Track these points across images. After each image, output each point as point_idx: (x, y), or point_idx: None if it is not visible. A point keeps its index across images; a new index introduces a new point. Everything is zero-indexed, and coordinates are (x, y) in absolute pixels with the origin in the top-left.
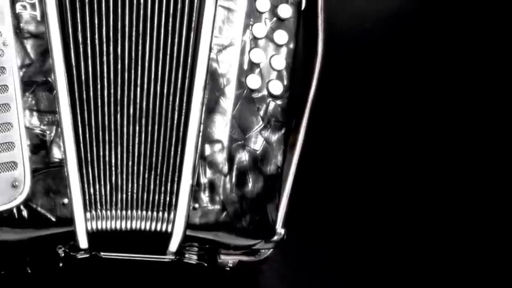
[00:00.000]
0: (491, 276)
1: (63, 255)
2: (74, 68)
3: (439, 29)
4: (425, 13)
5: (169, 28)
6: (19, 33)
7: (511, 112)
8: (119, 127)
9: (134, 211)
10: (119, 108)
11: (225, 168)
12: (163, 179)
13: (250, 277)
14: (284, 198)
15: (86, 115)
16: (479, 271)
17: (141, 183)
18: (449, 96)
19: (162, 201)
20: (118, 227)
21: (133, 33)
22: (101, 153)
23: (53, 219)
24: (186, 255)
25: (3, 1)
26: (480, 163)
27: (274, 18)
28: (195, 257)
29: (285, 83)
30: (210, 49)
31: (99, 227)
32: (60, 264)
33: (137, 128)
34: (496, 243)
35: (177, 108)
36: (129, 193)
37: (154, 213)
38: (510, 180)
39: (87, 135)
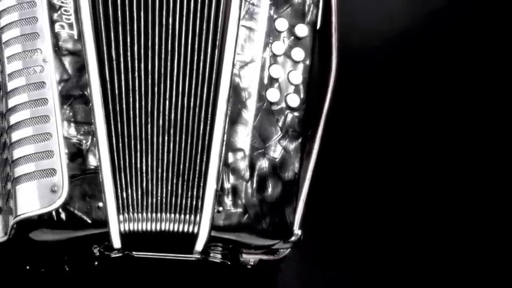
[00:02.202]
0: (498, 277)
1: (98, 254)
2: (108, 83)
3: (443, 47)
4: (430, 32)
5: (196, 46)
6: (58, 50)
7: None
8: (149, 137)
9: (163, 214)
10: (149, 120)
11: (247, 175)
12: (190, 184)
13: (270, 274)
14: (301, 201)
15: (119, 126)
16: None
17: (169, 188)
18: (454, 106)
19: (189, 204)
20: (148, 228)
21: (163, 51)
22: (133, 161)
23: (89, 221)
24: (211, 255)
25: (43, 21)
26: (485, 167)
27: (292, 37)
28: (219, 256)
29: (302, 96)
30: (233, 65)
31: (131, 229)
32: (96, 263)
33: (166, 137)
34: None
35: (202, 119)
36: (159, 197)
37: (182, 215)
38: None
39: (120, 144)
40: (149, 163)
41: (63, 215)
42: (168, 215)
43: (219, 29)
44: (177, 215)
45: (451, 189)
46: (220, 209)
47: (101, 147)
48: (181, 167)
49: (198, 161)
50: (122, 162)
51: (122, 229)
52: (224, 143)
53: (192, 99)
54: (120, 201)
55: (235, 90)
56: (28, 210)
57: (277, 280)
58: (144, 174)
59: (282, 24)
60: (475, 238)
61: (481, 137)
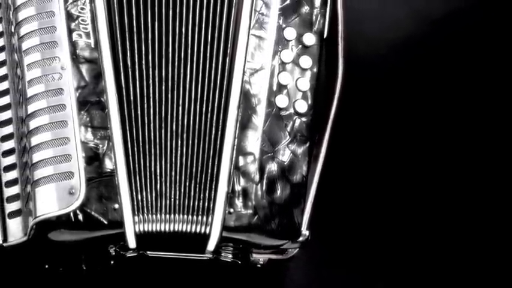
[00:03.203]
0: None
1: (114, 254)
2: (124, 89)
3: (444, 55)
4: (432, 41)
5: (208, 54)
6: (75, 58)
7: None
8: (163, 141)
9: (177, 215)
10: (163, 125)
11: (257, 177)
12: (202, 186)
13: (279, 273)
14: (309, 203)
15: (134, 131)
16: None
17: (182, 190)
18: (456, 111)
19: (201, 206)
20: (162, 229)
21: (176, 59)
22: (147, 164)
23: (105, 222)
24: (222, 254)
25: (61, 30)
26: (488, 169)
27: (300, 46)
28: (230, 256)
29: (309, 102)
30: (244, 72)
31: (146, 229)
32: (112, 262)
33: (179, 142)
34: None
35: (214, 124)
36: (172, 199)
37: (195, 217)
38: None
39: (135, 148)
40: (163, 166)
41: (80, 216)
42: (181, 216)
43: (230, 38)
44: (190, 216)
45: (454, 192)
46: (231, 210)
47: (117, 151)
48: (193, 170)
49: (210, 164)
50: (137, 165)
51: (137, 230)
52: (235, 147)
53: (204, 105)
54: (135, 203)
55: (246, 96)
56: (47, 212)
57: (286, 278)
58: (158, 177)
59: (290, 33)
60: (484, 242)
61: (485, 139)
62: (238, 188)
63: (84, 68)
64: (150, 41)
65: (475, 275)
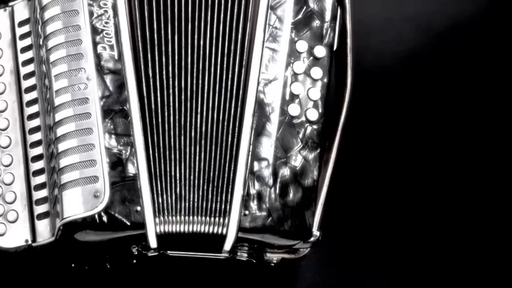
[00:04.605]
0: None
1: (136, 253)
2: (145, 99)
3: (446, 66)
4: (435, 53)
5: (224, 66)
6: (100, 69)
7: None
8: (182, 147)
9: (195, 217)
10: (182, 132)
11: (270, 181)
12: (219, 190)
13: (292, 271)
14: (319, 206)
15: (155, 137)
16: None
17: (201, 193)
18: (459, 117)
19: (218, 208)
20: (182, 230)
21: (195, 70)
22: (168, 169)
23: (128, 223)
24: (238, 253)
25: (87, 43)
26: (492, 172)
27: (311, 57)
28: (245, 255)
29: (320, 110)
30: (258, 83)
31: (166, 230)
32: (134, 261)
33: (198, 148)
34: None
35: (230, 131)
36: (191, 202)
37: (212, 218)
38: None
39: (156, 154)
40: (182, 171)
41: (105, 218)
42: (199, 217)
43: (245, 51)
44: (208, 218)
45: (460, 194)
46: (247, 212)
47: (139, 157)
48: (211, 174)
49: (227, 169)
50: (158, 170)
51: (158, 231)
52: (250, 153)
53: (221, 114)
54: (156, 206)
55: (260, 105)
56: (73, 214)
57: (298, 276)
58: (178, 181)
59: (302, 46)
60: (491, 244)
61: (488, 143)
62: (253, 191)
63: (108, 79)
64: (170, 53)
65: (485, 277)
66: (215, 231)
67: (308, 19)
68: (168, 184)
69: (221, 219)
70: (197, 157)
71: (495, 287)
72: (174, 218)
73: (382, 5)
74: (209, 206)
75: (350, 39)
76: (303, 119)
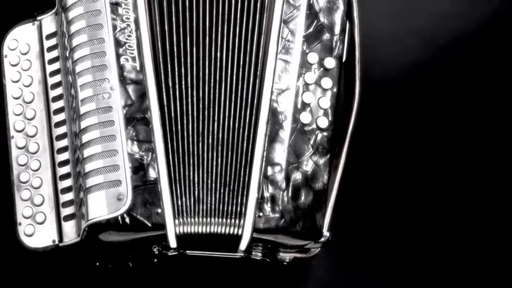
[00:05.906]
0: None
1: (157, 252)
2: (166, 107)
3: (449, 78)
4: (439, 65)
5: (240, 76)
6: (123, 80)
7: None
8: (200, 153)
9: (213, 218)
10: (200, 139)
11: (283, 185)
12: (235, 193)
13: (303, 270)
14: (329, 208)
15: (174, 144)
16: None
17: (217, 196)
18: (462, 125)
19: (234, 210)
20: (200, 230)
21: (212, 81)
22: (187, 173)
23: (149, 224)
24: (253, 253)
25: (110, 55)
26: (497, 176)
27: (321, 68)
28: (259, 254)
29: (330, 118)
30: (271, 92)
31: (185, 231)
32: (155, 260)
33: (215, 153)
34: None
35: (245, 138)
36: (209, 204)
37: (228, 220)
38: None
39: (176, 160)
40: (200, 175)
41: (127, 220)
42: (216, 219)
43: (259, 62)
44: (224, 220)
45: (466, 200)
46: (261, 214)
47: (160, 162)
48: (227, 178)
49: (242, 173)
50: (177, 174)
51: (177, 231)
52: (264, 158)
53: (237, 121)
54: (176, 208)
55: (273, 113)
56: (98, 216)
57: (309, 274)
58: (196, 185)
59: (313, 57)
60: (491, 245)
61: (491, 151)
62: (266, 194)
63: (130, 89)
64: (189, 65)
65: (486, 277)
66: (231, 232)
67: (319, 32)
68: (187, 188)
69: (237, 221)
70: (214, 162)
71: (495, 287)
72: (192, 219)
73: (389, 20)
74: (225, 208)
75: (358, 51)
76: (314, 126)
